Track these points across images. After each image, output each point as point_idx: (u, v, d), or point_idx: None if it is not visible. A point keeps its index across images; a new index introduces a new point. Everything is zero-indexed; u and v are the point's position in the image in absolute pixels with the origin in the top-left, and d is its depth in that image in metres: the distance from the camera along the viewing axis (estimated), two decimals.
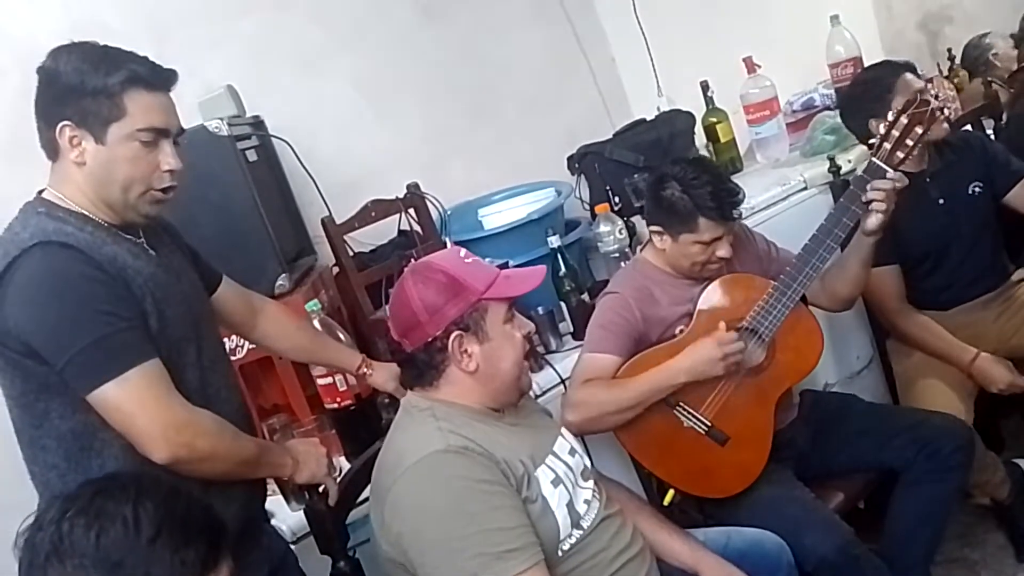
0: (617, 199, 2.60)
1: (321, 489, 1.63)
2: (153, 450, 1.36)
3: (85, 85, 1.40)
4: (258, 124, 2.31)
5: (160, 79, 1.46)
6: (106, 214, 1.46)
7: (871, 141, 1.96)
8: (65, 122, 1.41)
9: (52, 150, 1.45)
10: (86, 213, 1.44)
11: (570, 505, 1.52)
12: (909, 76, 2.25)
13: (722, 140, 2.93)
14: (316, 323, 1.94)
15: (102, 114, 1.41)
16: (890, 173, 1.89)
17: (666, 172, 2.01)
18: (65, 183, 1.45)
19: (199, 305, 1.59)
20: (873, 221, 1.91)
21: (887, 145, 1.89)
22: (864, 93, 2.31)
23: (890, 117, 1.90)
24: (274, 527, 1.71)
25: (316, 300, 1.99)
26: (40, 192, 1.48)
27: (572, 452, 1.63)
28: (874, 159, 1.91)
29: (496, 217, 2.57)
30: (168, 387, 1.39)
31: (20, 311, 1.35)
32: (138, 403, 1.35)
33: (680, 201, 1.95)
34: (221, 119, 2.02)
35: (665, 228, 2.00)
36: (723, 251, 1.97)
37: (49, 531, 1.01)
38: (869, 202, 1.89)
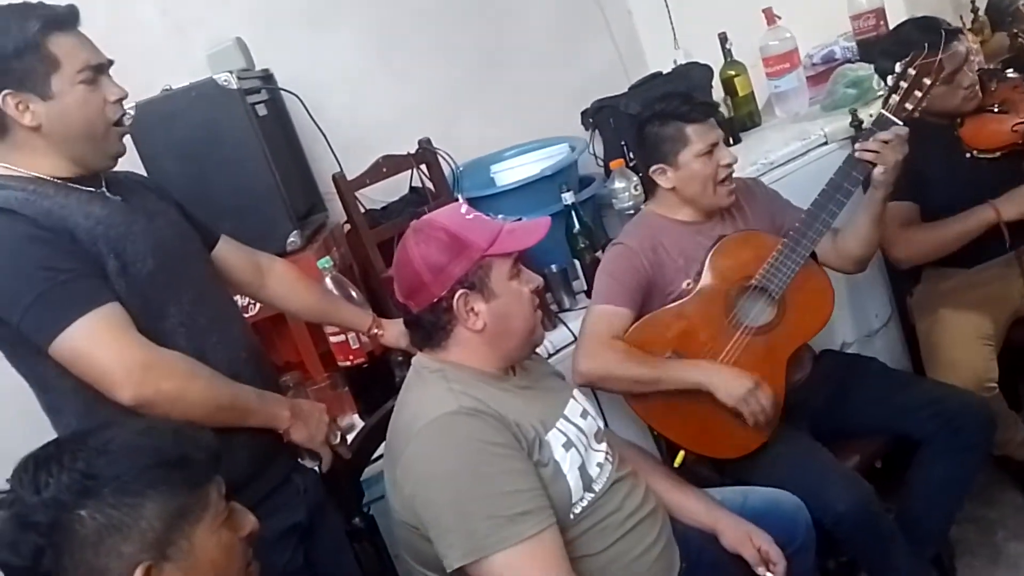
0: (632, 154, 2.56)
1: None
2: (117, 391, 1.34)
3: (7, 48, 1.36)
4: (267, 78, 2.28)
5: (69, 17, 1.43)
6: (69, 170, 1.44)
7: (879, 93, 1.95)
8: (5, 91, 1.38)
9: None
10: (36, 175, 1.41)
11: (582, 468, 1.50)
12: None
13: (740, 94, 2.89)
14: (328, 280, 1.93)
15: (38, 70, 1.38)
16: (882, 134, 1.87)
17: (642, 119, 2.06)
18: (18, 152, 1.42)
19: (176, 243, 1.55)
20: (877, 173, 1.90)
21: (896, 97, 1.90)
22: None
23: (898, 68, 1.90)
24: (311, 472, 1.66)
25: (328, 257, 1.97)
26: None
27: (584, 415, 1.60)
28: (883, 111, 1.92)
29: (509, 173, 2.54)
30: (127, 328, 1.37)
31: None
32: (94, 346, 1.34)
33: (663, 128, 1.99)
34: (230, 72, 1.99)
35: (662, 160, 2.00)
36: (726, 158, 1.99)
37: (61, 481, 0.95)
38: (867, 153, 1.89)
